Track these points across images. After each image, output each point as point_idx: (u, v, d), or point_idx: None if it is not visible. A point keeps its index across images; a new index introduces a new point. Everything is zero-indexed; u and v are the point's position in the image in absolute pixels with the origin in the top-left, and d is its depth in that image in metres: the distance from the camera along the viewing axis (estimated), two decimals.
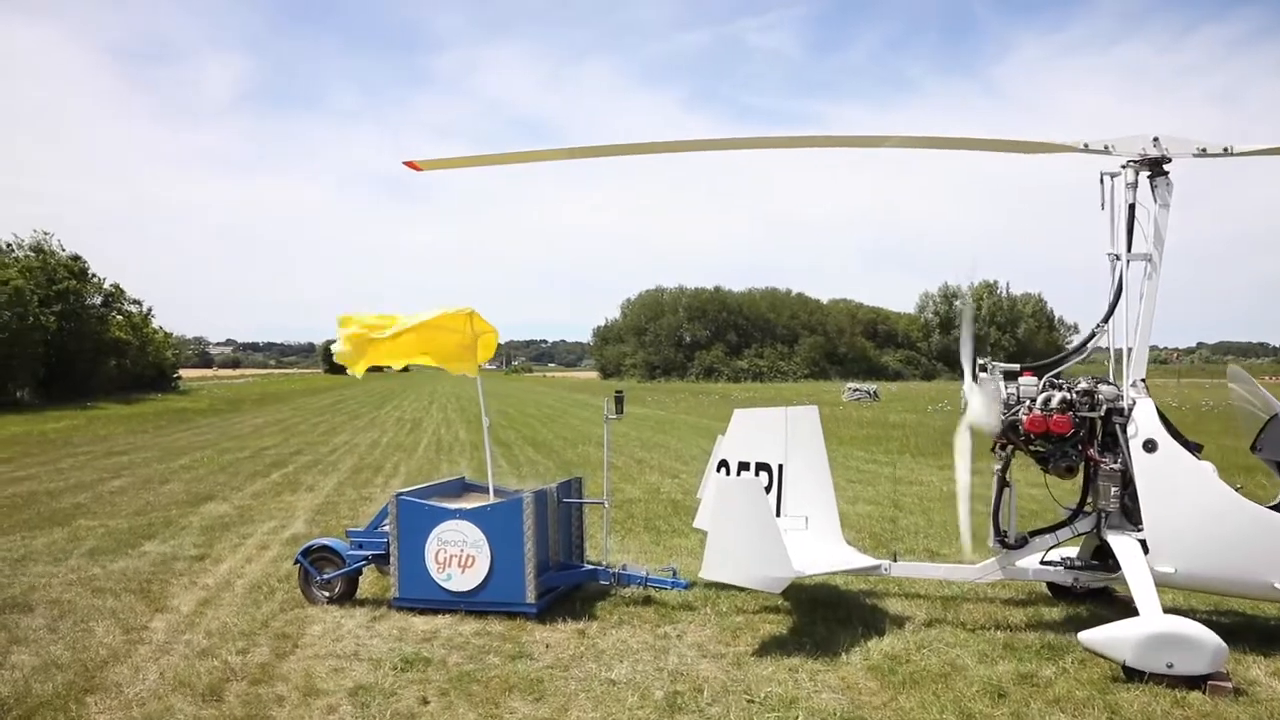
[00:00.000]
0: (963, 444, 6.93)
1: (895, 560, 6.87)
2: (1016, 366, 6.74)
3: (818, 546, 6.75)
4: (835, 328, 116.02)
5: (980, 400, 6.47)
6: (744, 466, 7.00)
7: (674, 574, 7.30)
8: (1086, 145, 6.55)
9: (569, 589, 7.48)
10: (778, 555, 5.76)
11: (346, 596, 7.40)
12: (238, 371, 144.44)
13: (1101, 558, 6.81)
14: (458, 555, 6.96)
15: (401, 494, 7.21)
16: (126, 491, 14.03)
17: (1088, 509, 6.66)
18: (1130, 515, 6.31)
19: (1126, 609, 6.34)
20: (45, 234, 50.36)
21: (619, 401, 7.46)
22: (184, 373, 76.69)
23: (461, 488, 8.20)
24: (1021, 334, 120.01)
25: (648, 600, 7.38)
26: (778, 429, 6.89)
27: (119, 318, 55.68)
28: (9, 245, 48.57)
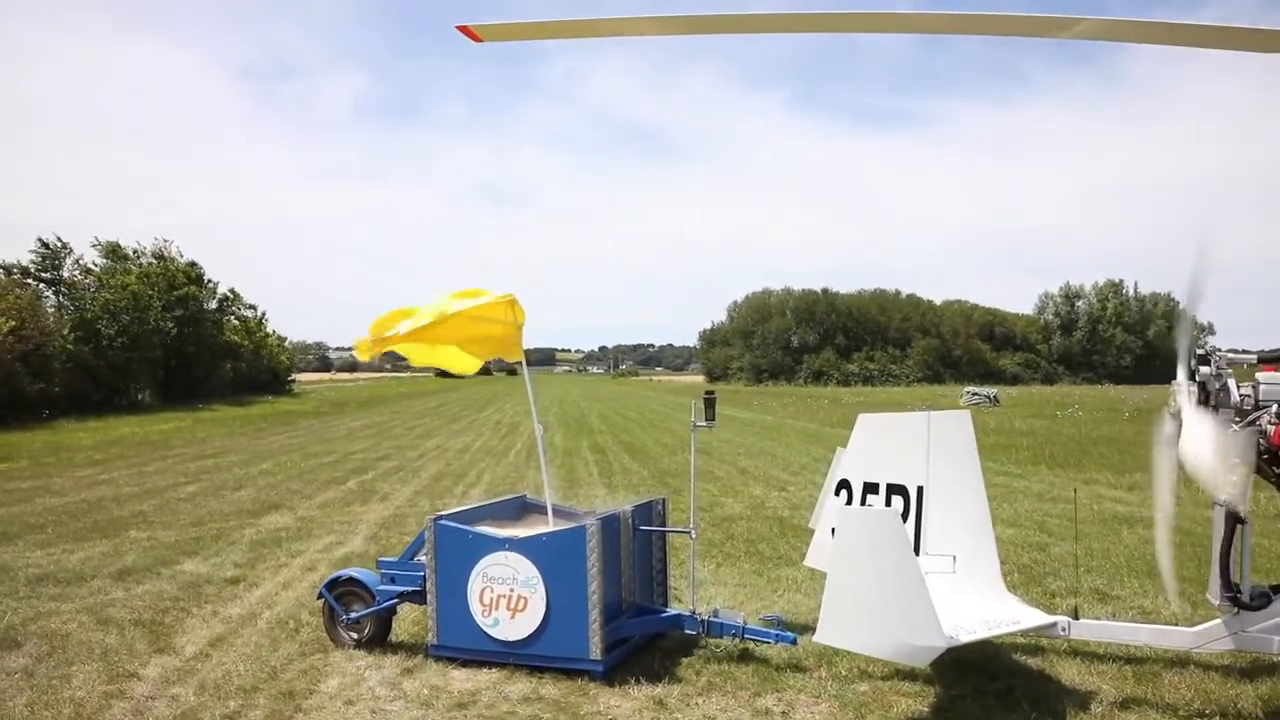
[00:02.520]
0: (1166, 462, 5.12)
1: (1076, 617, 5.13)
2: (1251, 355, 4.93)
3: (972, 597, 5.08)
4: (949, 330, 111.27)
5: (1200, 418, 4.64)
6: (871, 489, 5.38)
7: (779, 624, 5.74)
8: None
9: (645, 639, 6.00)
10: (924, 617, 4.14)
11: (378, 639, 6.11)
12: (353, 375, 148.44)
13: None
14: (506, 596, 5.57)
15: (441, 517, 5.86)
16: (195, 499, 13.25)
17: None
18: None
19: None
20: (166, 241, 52.03)
21: (709, 405, 5.91)
22: (302, 376, 78.76)
23: (520, 508, 6.81)
24: (1152, 336, 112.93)
25: (745, 656, 5.84)
26: (917, 440, 5.24)
27: (234, 322, 57.20)
28: (133, 252, 50.31)
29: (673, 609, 6.07)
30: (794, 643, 5.57)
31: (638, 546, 6.02)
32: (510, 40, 5.20)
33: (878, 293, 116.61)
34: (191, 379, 49.22)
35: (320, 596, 6.23)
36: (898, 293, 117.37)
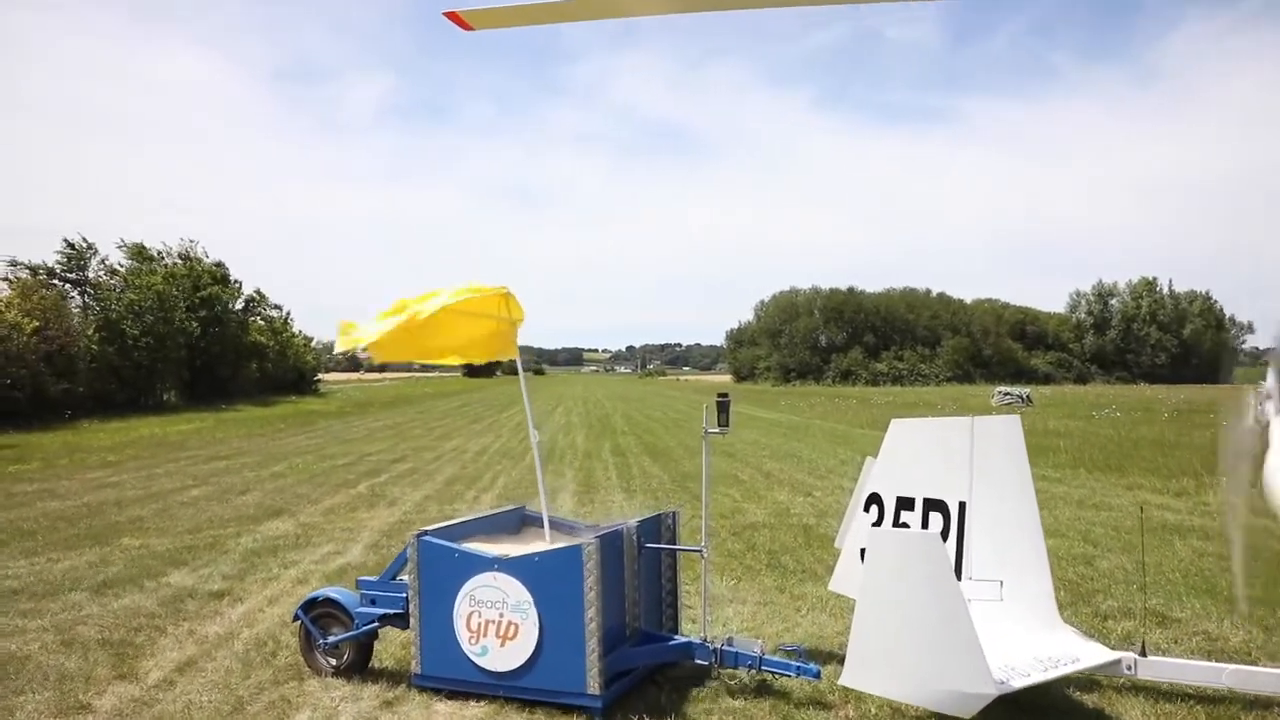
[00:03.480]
0: (1242, 478, 4.43)
1: (1144, 654, 4.47)
2: None
3: (1022, 629, 4.43)
4: (980, 329, 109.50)
5: None
6: (905, 505, 4.74)
7: (801, 655, 5.11)
8: None
9: (652, 669, 5.39)
10: (970, 661, 3.51)
11: (358, 666, 5.55)
12: (380, 375, 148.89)
13: None
14: (495, 621, 4.99)
15: (425, 532, 5.29)
16: (199, 503, 12.80)
17: None
18: None
19: None
20: (191, 242, 52.14)
21: (722, 409, 5.26)
22: (330, 376, 78.69)
23: (519, 522, 6.22)
24: (1188, 335, 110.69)
25: (763, 690, 5.21)
26: (959, 448, 4.59)
27: (260, 322, 57.22)
28: (159, 253, 50.43)
29: (682, 636, 5.45)
30: (817, 676, 4.94)
31: (644, 566, 5.42)
32: (502, 26, 4.67)
33: (907, 291, 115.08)
34: (217, 379, 49.22)
35: (296, 619, 5.68)
36: (927, 291, 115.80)
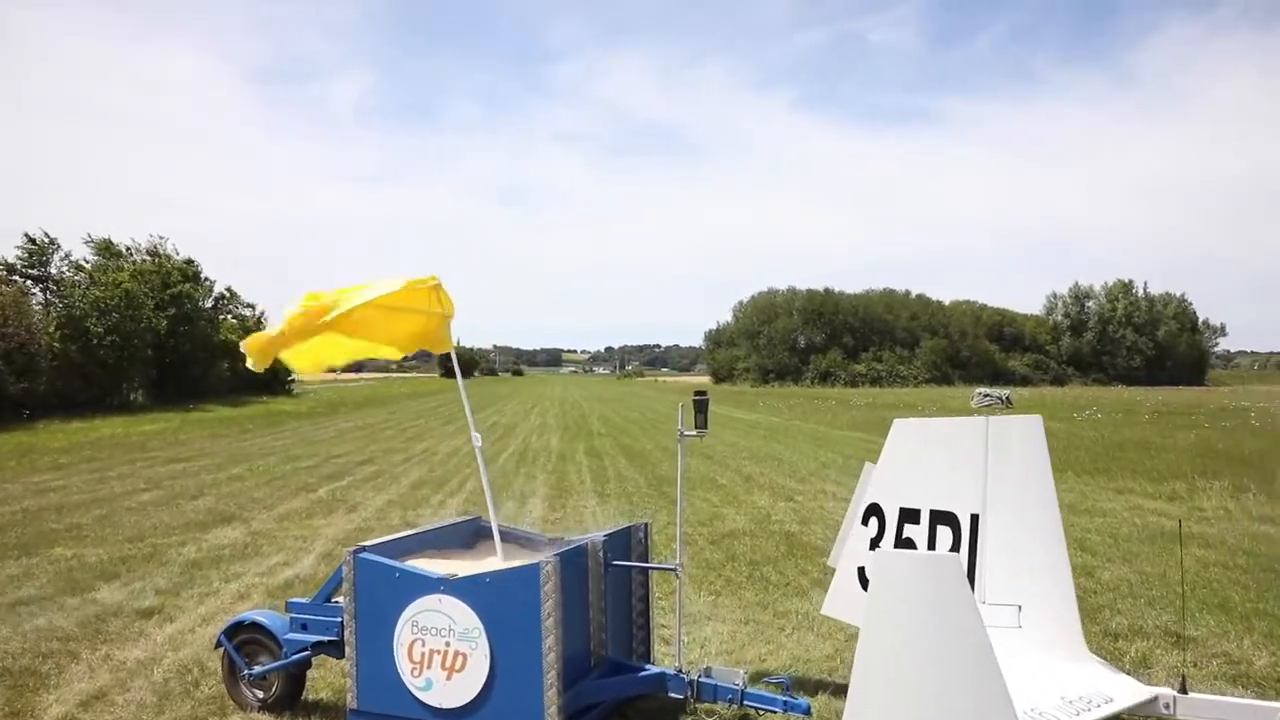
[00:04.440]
0: None
1: (1184, 690, 3.90)
2: None
3: (1044, 662, 3.85)
4: (958, 330, 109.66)
5: None
6: (910, 517, 4.15)
7: (787, 689, 4.51)
8: None
9: (618, 704, 4.78)
10: (995, 707, 2.92)
11: (289, 699, 4.91)
12: (357, 375, 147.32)
13: None
14: (441, 651, 4.35)
15: (363, 548, 4.64)
16: (146, 509, 12.06)
17: None
18: None
19: None
20: (161, 238, 51.10)
21: (700, 408, 4.63)
22: (306, 376, 77.39)
23: (474, 534, 5.57)
24: (1162, 336, 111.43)
25: None
26: (971, 453, 4.00)
27: (231, 320, 56.07)
28: (127, 249, 49.34)
29: (654, 666, 4.83)
30: (807, 713, 4.34)
31: (611, 585, 4.79)
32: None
33: (885, 292, 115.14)
34: (186, 378, 48.11)
35: (219, 645, 5.02)
36: (906, 292, 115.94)
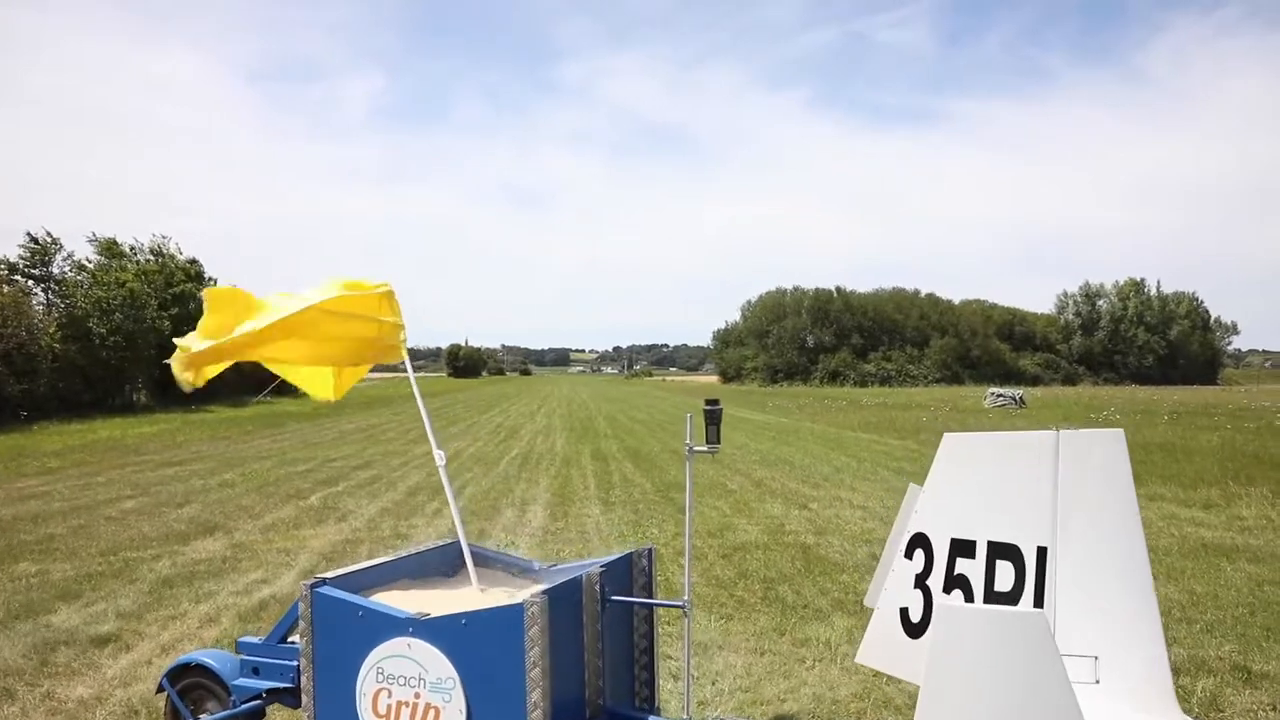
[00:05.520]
0: None
1: None
2: None
3: None
4: (968, 329, 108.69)
5: None
6: (963, 550, 3.49)
7: None
8: None
9: None
10: None
11: None
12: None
13: None
14: (409, 704, 3.72)
15: (323, 581, 4.01)
16: (127, 517, 11.47)
17: None
18: None
19: None
20: (164, 238, 50.83)
21: (712, 419, 3.97)
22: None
23: (458, 559, 4.92)
24: (1174, 336, 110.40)
25: None
26: (1039, 473, 3.34)
27: None
28: (131, 249, 48.99)
29: (659, 718, 4.18)
30: None
31: (610, 624, 4.15)
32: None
33: (895, 291, 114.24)
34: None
35: (161, 689, 4.40)
36: (916, 292, 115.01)
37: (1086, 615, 3.33)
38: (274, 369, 4.67)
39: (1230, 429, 25.55)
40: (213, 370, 4.37)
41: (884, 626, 3.70)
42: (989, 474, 3.47)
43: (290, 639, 4.20)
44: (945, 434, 3.55)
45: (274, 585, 7.85)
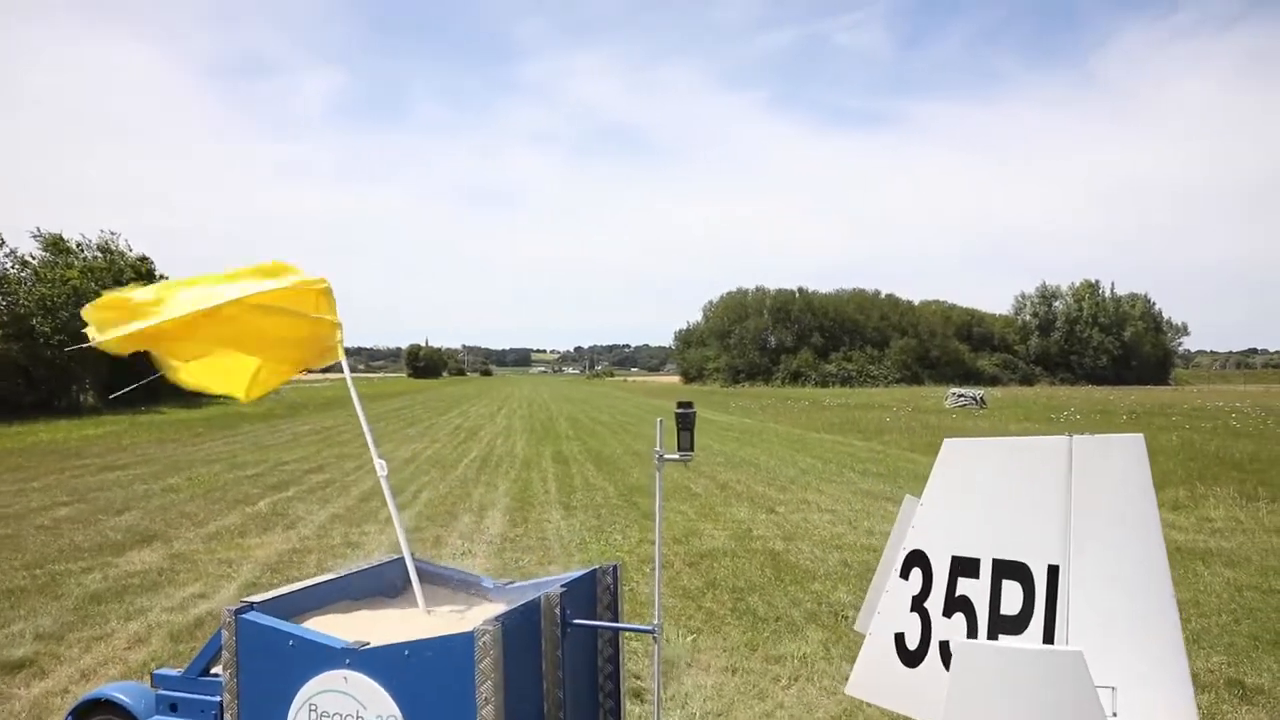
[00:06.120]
0: None
1: None
2: None
3: None
4: (928, 330, 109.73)
5: None
6: (965, 569, 3.15)
7: None
8: None
9: None
10: None
11: None
12: (322, 375, 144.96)
13: None
14: None
15: (250, 606, 3.56)
16: (60, 526, 10.83)
17: None
18: None
19: None
20: (112, 234, 49.41)
21: (684, 423, 3.59)
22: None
23: (403, 577, 4.49)
24: (1128, 337, 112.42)
25: None
26: (1050, 483, 3.00)
27: None
28: (77, 245, 47.57)
29: None
30: None
31: (572, 649, 3.75)
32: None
33: (856, 292, 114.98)
34: (141, 379, 46.31)
35: None
36: (876, 292, 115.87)
37: (1103, 642, 2.99)
38: (173, 366, 4.05)
39: (1188, 429, 25.72)
40: (119, 345, 3.83)
41: (877, 654, 3.34)
42: (994, 484, 3.12)
43: (213, 670, 3.75)
44: (945, 439, 3.20)
45: (212, 600, 7.34)
